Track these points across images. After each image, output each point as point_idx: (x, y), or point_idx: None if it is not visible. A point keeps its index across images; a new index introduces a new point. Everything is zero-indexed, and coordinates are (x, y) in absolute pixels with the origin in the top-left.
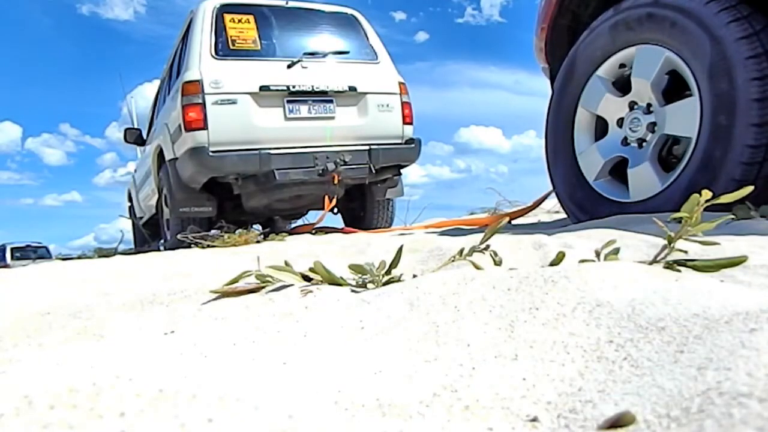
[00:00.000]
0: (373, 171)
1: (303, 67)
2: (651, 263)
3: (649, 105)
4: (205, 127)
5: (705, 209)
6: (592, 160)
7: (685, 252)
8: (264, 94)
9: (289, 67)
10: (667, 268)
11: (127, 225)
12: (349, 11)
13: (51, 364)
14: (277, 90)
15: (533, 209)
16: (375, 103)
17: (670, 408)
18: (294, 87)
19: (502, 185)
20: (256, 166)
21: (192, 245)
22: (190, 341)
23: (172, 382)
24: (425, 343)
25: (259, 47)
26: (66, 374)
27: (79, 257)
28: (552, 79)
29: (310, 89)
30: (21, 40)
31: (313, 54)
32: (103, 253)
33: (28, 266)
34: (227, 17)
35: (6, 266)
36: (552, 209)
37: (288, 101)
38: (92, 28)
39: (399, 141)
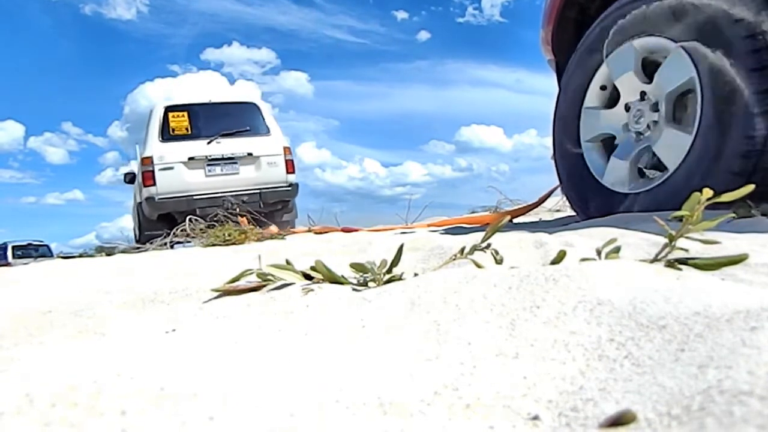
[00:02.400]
0: (262, 206)
1: (218, 142)
2: (652, 261)
3: (656, 104)
4: (154, 184)
5: (705, 208)
6: (593, 122)
7: (686, 250)
8: (191, 162)
9: (208, 143)
10: (668, 266)
11: (129, 223)
12: (252, 101)
13: (52, 363)
14: (200, 158)
15: (536, 207)
16: (266, 162)
17: (671, 406)
18: (211, 156)
19: (504, 184)
20: (185, 207)
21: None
22: (192, 340)
23: (173, 381)
24: (426, 341)
25: (189, 132)
26: (67, 372)
27: (81, 255)
28: (558, 72)
29: (221, 156)
30: (23, 39)
31: (224, 133)
32: (105, 252)
33: (30, 264)
34: (170, 114)
35: (7, 264)
36: (553, 208)
37: (207, 165)
38: (95, 27)
39: (284, 185)
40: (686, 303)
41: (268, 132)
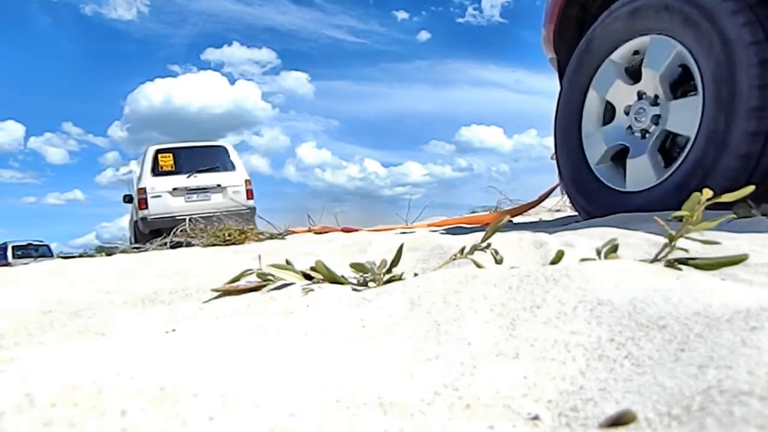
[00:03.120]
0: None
1: (195, 176)
2: (652, 262)
3: (656, 96)
4: (147, 208)
5: (706, 208)
6: (596, 145)
7: (686, 250)
8: (174, 191)
9: (187, 177)
10: (668, 266)
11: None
12: (222, 144)
13: (52, 363)
14: (181, 189)
15: (536, 206)
16: (231, 191)
17: (671, 406)
18: (189, 186)
19: (504, 184)
20: (170, 224)
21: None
22: (192, 340)
23: (173, 381)
24: (426, 341)
25: (173, 168)
26: (67, 372)
27: (81, 255)
28: (559, 70)
29: (197, 187)
30: (24, 40)
31: (200, 169)
32: (105, 252)
33: (30, 264)
34: (159, 155)
35: (7, 264)
36: (553, 208)
37: (186, 193)
38: (95, 27)
39: (244, 209)
40: (686, 303)
41: (233, 168)
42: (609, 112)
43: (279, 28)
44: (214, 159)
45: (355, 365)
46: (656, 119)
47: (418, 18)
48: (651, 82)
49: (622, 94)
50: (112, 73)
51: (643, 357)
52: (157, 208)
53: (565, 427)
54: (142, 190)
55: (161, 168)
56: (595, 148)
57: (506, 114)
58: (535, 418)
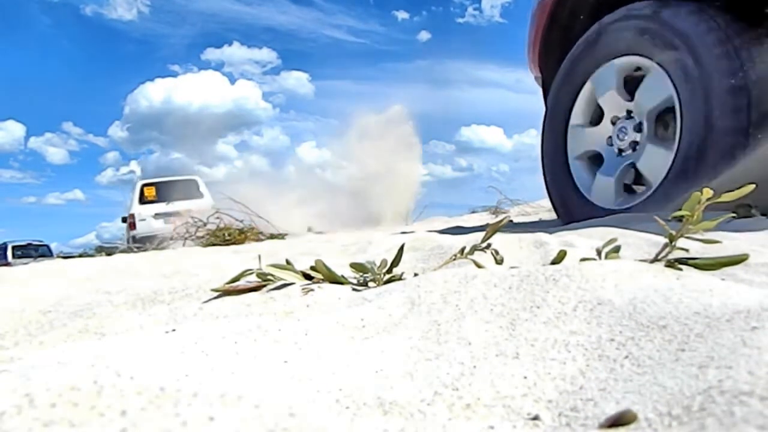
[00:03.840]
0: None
1: (171, 204)
2: (652, 262)
3: (640, 124)
4: (136, 228)
5: (705, 208)
6: (579, 139)
7: (686, 250)
8: (156, 215)
9: (166, 204)
10: (668, 266)
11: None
12: (194, 178)
13: (52, 363)
14: (161, 213)
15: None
16: (201, 214)
17: (672, 406)
18: (167, 211)
19: (504, 184)
20: (152, 239)
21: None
22: (192, 339)
23: (173, 381)
24: (426, 341)
25: (156, 198)
26: (67, 372)
27: (81, 255)
28: (544, 87)
29: (173, 212)
30: (25, 40)
31: (175, 198)
32: (105, 252)
33: (30, 264)
34: (145, 187)
35: (7, 264)
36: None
37: (165, 217)
38: (95, 28)
39: None
40: (686, 303)
41: (201, 196)
42: (597, 116)
43: (279, 28)
44: (186, 189)
45: (355, 365)
46: (634, 146)
47: (419, 18)
48: (640, 109)
49: (614, 104)
50: (113, 73)
51: (644, 357)
52: (143, 228)
53: (565, 427)
54: (132, 215)
55: (146, 198)
56: (578, 142)
57: (506, 114)
58: (536, 418)
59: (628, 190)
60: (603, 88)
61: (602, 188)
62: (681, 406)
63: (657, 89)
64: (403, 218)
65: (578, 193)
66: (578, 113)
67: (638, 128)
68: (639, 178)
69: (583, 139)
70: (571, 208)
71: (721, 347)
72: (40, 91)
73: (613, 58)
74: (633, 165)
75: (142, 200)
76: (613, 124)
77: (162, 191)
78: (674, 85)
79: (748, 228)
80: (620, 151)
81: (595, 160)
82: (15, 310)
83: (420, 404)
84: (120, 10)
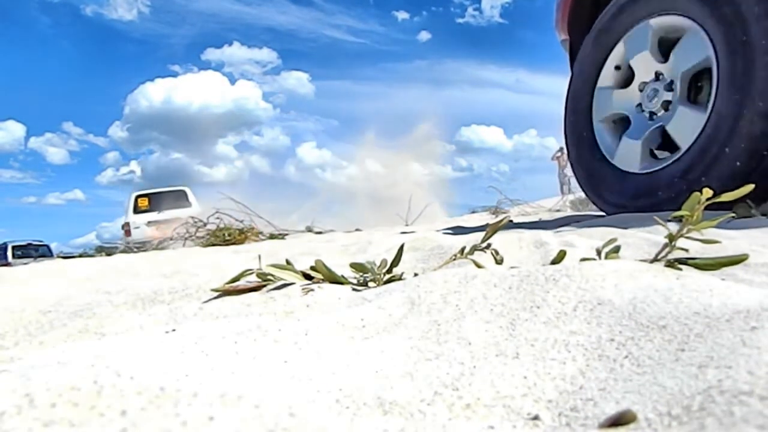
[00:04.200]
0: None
1: (163, 212)
2: (652, 261)
3: (671, 84)
4: (131, 235)
5: (705, 208)
6: (605, 102)
7: (686, 250)
8: (150, 223)
9: (158, 213)
10: (668, 266)
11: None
12: (183, 188)
13: (52, 363)
14: (153, 221)
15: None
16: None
17: (671, 406)
18: (159, 219)
19: (504, 184)
20: (146, 244)
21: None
22: (192, 339)
23: (173, 381)
24: (426, 341)
25: (148, 207)
26: (67, 372)
27: (81, 255)
28: (571, 52)
29: (164, 219)
30: (25, 40)
31: (166, 207)
32: (105, 252)
33: (30, 265)
34: (138, 198)
35: (7, 264)
36: (553, 208)
37: (157, 224)
38: (96, 28)
39: None
40: (686, 303)
41: (190, 205)
42: (626, 79)
43: (279, 28)
44: (176, 199)
45: (355, 365)
46: (666, 105)
47: (419, 18)
48: (675, 71)
49: (647, 66)
50: (113, 73)
51: (643, 357)
52: (137, 235)
53: (565, 427)
54: (127, 224)
55: (139, 207)
56: (604, 104)
57: (506, 114)
58: (535, 418)
59: (653, 156)
60: (636, 49)
61: (627, 151)
62: (681, 406)
63: (694, 50)
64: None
65: (601, 156)
66: (607, 75)
67: (669, 88)
68: (665, 144)
69: (610, 102)
70: (593, 172)
71: (720, 347)
72: (41, 91)
73: (649, 18)
74: (661, 129)
75: (136, 210)
76: (641, 90)
77: (154, 201)
78: (713, 46)
79: (748, 228)
80: (651, 114)
81: (621, 124)
82: (15, 310)
83: (420, 404)
84: (120, 11)
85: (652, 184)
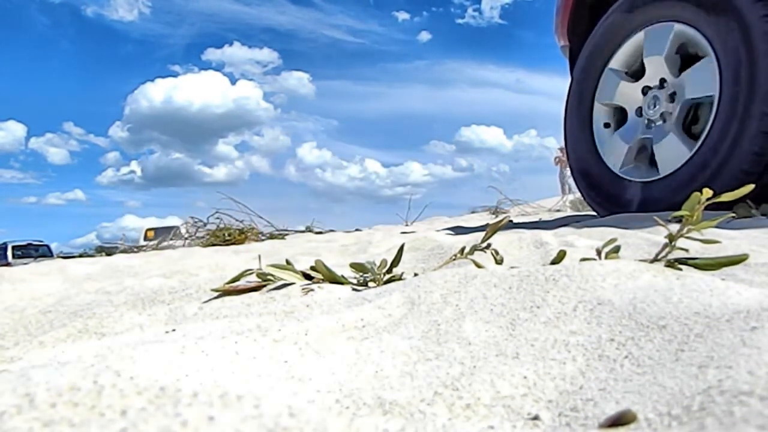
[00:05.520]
0: None
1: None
2: (652, 261)
3: (674, 93)
4: None
5: (705, 208)
6: (610, 88)
7: (686, 250)
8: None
9: (158, 244)
10: (668, 266)
11: (130, 223)
12: (177, 225)
13: (52, 363)
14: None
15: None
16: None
17: (672, 406)
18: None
19: (504, 184)
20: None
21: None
22: (192, 339)
23: (173, 381)
24: (426, 341)
25: (153, 238)
26: (67, 372)
27: (81, 255)
28: (571, 57)
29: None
30: (26, 41)
31: (165, 239)
32: (105, 252)
33: (30, 264)
34: (147, 231)
35: (7, 264)
36: (553, 208)
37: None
38: (96, 28)
39: None
40: (686, 303)
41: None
42: (636, 71)
43: (278, 28)
44: (173, 232)
45: (355, 365)
46: (665, 117)
47: (419, 18)
48: (679, 90)
49: (657, 71)
50: (113, 73)
51: (643, 357)
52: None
53: (565, 427)
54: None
55: (147, 238)
56: (609, 89)
57: (506, 114)
58: (535, 418)
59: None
60: (654, 49)
61: (614, 148)
62: (681, 406)
63: (705, 82)
64: None
65: (596, 153)
66: (620, 59)
67: (672, 100)
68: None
69: (615, 88)
70: (586, 165)
71: (720, 347)
72: (42, 91)
73: (675, 21)
74: (649, 142)
75: (145, 239)
76: (644, 94)
77: (158, 234)
78: (721, 82)
79: (748, 228)
80: (649, 122)
81: (619, 116)
82: (15, 310)
83: (420, 404)
84: (121, 11)
85: (622, 190)
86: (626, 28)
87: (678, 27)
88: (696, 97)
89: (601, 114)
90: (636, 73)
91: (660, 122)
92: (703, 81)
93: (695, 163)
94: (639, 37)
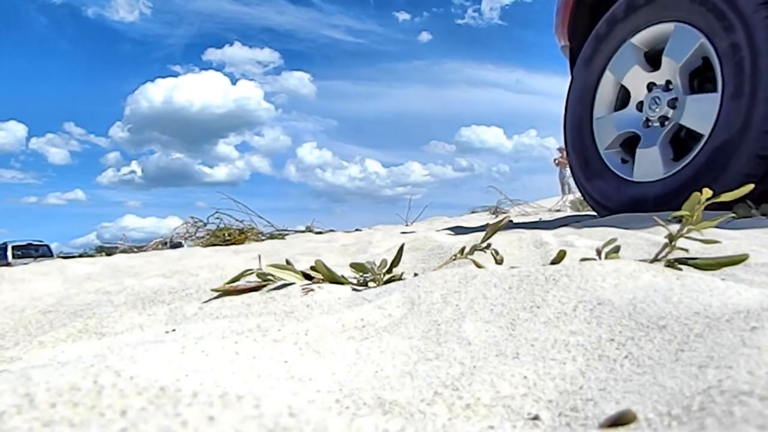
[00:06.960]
0: None
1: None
2: (652, 261)
3: (668, 82)
4: None
5: (705, 208)
6: (607, 130)
7: (686, 250)
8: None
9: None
10: (668, 266)
11: (130, 223)
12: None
13: (52, 363)
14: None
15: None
16: None
17: (671, 406)
18: None
19: (504, 184)
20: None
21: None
22: (192, 339)
23: (173, 381)
24: (426, 341)
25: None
26: (67, 372)
27: (81, 255)
28: (571, 58)
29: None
30: (27, 41)
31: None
32: (105, 252)
33: (30, 264)
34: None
35: (8, 264)
36: (553, 208)
37: None
38: (97, 29)
39: None
40: (686, 303)
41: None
42: (623, 99)
43: (277, 29)
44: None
45: (355, 365)
46: (673, 103)
47: (419, 19)
48: (670, 71)
49: (639, 80)
50: (114, 73)
51: (643, 357)
52: None
53: (565, 427)
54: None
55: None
56: (607, 131)
57: (506, 114)
58: (535, 418)
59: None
60: (624, 68)
61: (606, 128)
62: (681, 406)
63: (686, 41)
64: None
65: (616, 176)
66: (601, 103)
67: (667, 88)
68: (685, 144)
69: (612, 126)
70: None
71: (720, 347)
72: (42, 92)
73: (630, 36)
74: (677, 130)
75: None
76: (649, 90)
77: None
78: (705, 34)
79: (748, 228)
80: (662, 120)
81: (628, 147)
82: (15, 310)
83: (420, 404)
84: (121, 12)
85: (604, 170)
86: (659, 14)
87: (704, 42)
88: (690, 54)
89: (608, 84)
90: (653, 58)
91: (656, 124)
92: (702, 115)
93: (662, 185)
94: (668, 27)
